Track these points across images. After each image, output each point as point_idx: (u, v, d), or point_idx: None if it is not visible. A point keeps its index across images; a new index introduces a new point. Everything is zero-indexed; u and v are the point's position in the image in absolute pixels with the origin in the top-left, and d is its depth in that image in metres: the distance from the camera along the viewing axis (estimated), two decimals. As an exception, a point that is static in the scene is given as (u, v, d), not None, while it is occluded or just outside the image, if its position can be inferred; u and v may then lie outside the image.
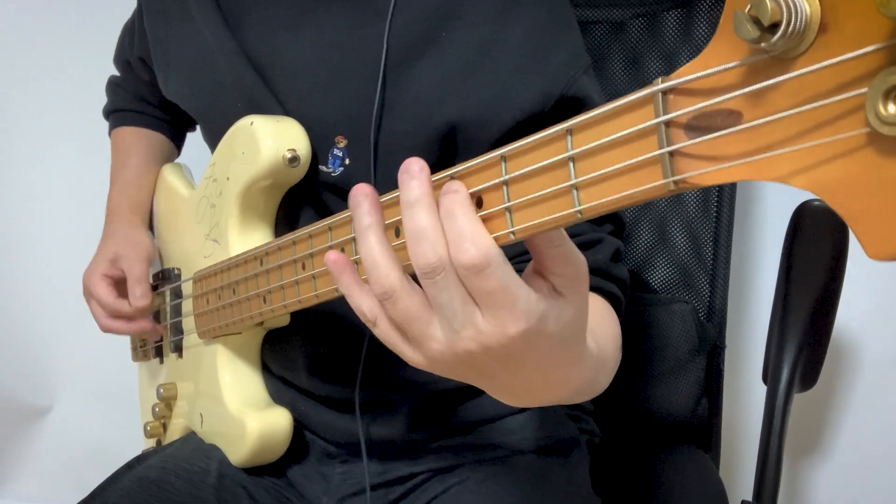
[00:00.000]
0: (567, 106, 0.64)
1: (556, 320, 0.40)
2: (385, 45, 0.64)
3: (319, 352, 0.73)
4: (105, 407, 1.47)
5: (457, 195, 0.39)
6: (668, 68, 1.01)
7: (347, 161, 0.67)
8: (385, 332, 0.43)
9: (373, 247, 0.41)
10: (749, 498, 0.85)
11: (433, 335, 0.41)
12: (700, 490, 0.87)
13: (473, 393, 0.73)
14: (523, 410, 0.75)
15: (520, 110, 0.62)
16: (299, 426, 0.76)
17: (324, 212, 0.71)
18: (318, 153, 0.68)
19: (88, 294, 0.86)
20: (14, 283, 1.51)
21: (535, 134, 0.38)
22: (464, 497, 0.70)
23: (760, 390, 0.88)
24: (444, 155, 0.66)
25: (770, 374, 0.88)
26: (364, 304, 0.44)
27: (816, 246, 0.87)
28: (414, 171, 0.40)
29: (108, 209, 0.92)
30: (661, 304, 0.97)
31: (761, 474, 0.84)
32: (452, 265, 0.38)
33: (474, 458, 0.73)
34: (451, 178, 0.41)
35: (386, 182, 0.66)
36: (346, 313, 0.71)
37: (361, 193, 0.43)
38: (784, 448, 0.85)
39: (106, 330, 0.85)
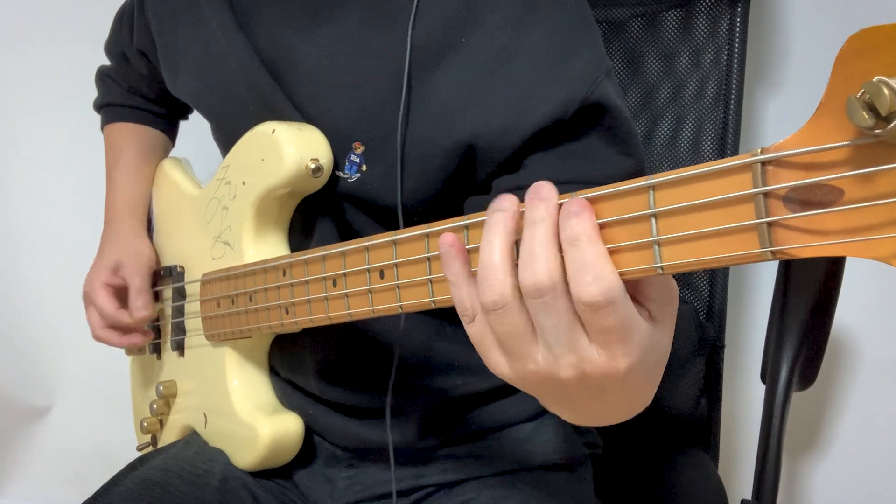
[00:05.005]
0: (589, 112, 0.61)
1: (655, 349, 0.39)
2: (409, 48, 0.62)
3: (330, 358, 0.73)
4: (105, 407, 1.47)
5: (580, 219, 0.37)
6: (668, 68, 1.01)
7: (364, 167, 0.66)
8: (478, 333, 0.42)
9: (495, 251, 0.39)
10: (748, 497, 0.85)
11: (533, 356, 0.39)
12: (699, 489, 0.87)
13: (484, 400, 0.73)
14: (533, 419, 0.75)
15: (541, 117, 0.60)
16: (307, 429, 0.75)
17: (339, 219, 0.70)
18: (335, 158, 0.67)
19: (88, 301, 0.85)
20: (14, 284, 1.50)
21: (610, 185, 0.38)
22: None
23: (759, 389, 0.89)
24: (463, 164, 0.64)
25: (769, 374, 0.88)
26: (468, 300, 0.42)
27: (816, 246, 0.87)
28: (543, 194, 0.39)
29: (107, 211, 0.91)
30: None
31: (760, 473, 0.85)
32: (566, 290, 0.37)
33: (481, 473, 0.73)
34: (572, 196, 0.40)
35: (404, 189, 0.65)
36: (359, 321, 0.71)
37: (507, 201, 0.41)
38: (783, 447, 0.85)
39: (99, 339, 0.85)
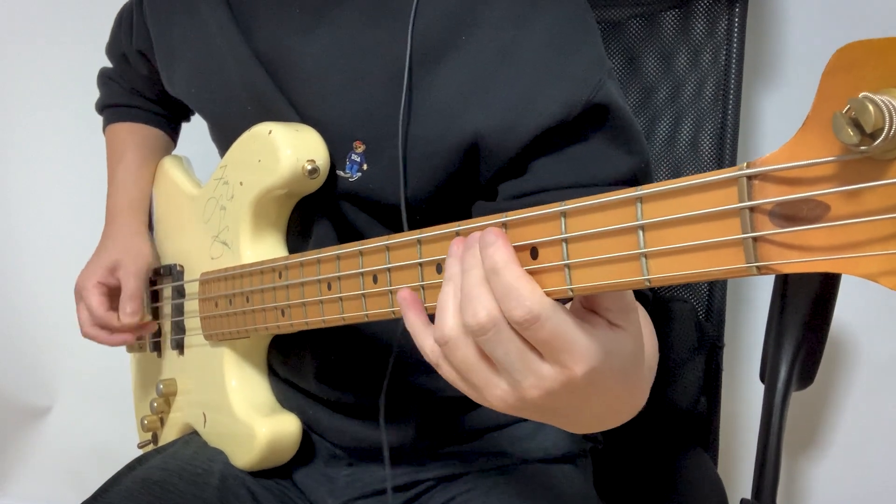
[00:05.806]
0: (593, 113, 0.60)
1: (617, 355, 0.41)
2: (409, 46, 0.62)
3: (331, 359, 0.73)
4: (105, 407, 1.47)
5: (495, 248, 0.40)
6: (666, 68, 1.01)
7: (365, 166, 0.66)
8: (448, 374, 0.44)
9: (446, 291, 0.42)
10: (748, 496, 0.85)
11: (496, 384, 0.42)
12: (699, 489, 0.87)
13: None
14: None
15: (545, 117, 0.60)
16: (306, 429, 0.75)
17: (338, 219, 0.70)
18: (335, 158, 0.67)
19: (79, 297, 0.85)
20: (14, 284, 1.51)
21: (599, 196, 0.38)
22: None
23: (759, 389, 0.89)
24: (466, 163, 0.64)
25: (768, 373, 0.88)
26: (427, 345, 0.45)
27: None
28: (469, 244, 0.42)
29: (108, 209, 0.91)
30: (660, 302, 0.97)
31: (760, 472, 0.85)
32: (505, 320, 0.39)
33: (480, 467, 0.73)
34: (502, 225, 0.42)
35: (407, 188, 0.65)
36: (359, 322, 0.71)
37: (456, 245, 0.43)
38: (782, 446, 0.85)
39: (87, 336, 0.85)
